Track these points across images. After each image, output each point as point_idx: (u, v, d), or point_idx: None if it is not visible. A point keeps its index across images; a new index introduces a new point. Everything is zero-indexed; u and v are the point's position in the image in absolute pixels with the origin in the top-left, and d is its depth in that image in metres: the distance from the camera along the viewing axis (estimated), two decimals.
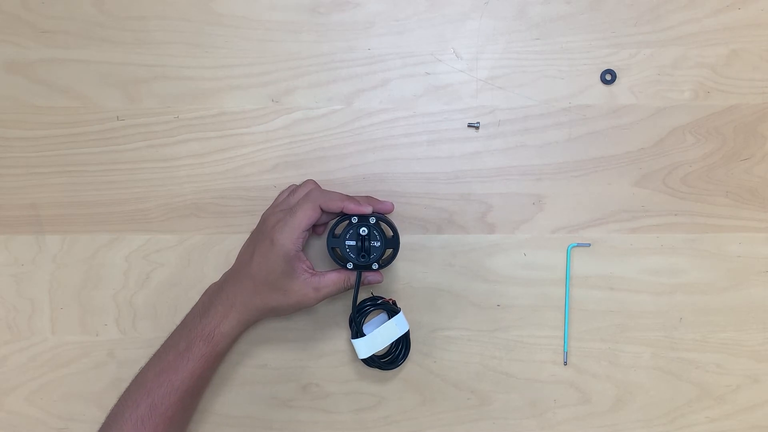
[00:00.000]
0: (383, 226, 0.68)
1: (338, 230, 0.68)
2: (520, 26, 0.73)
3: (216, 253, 0.74)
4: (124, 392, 0.67)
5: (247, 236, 0.71)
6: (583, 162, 0.74)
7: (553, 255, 0.74)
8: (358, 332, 0.69)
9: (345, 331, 0.74)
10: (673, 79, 0.73)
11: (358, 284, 0.67)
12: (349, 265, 0.67)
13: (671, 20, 0.73)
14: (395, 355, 0.71)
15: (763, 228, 0.74)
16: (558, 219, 0.74)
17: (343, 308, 0.73)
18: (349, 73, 0.74)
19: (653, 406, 0.73)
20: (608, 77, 0.73)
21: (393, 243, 0.68)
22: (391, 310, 0.71)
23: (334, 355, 0.74)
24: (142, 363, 0.68)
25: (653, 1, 0.73)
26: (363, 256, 0.67)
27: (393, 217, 0.71)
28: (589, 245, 0.73)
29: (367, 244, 0.67)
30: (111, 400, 0.67)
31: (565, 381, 0.73)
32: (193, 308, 0.69)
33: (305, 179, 0.71)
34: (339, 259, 0.68)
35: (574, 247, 0.73)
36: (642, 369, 0.74)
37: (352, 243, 0.67)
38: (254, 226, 0.71)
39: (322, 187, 0.70)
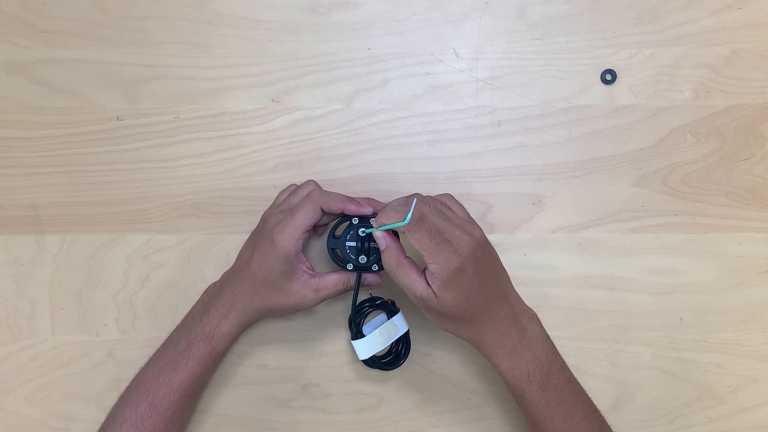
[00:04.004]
0: None
1: (338, 231, 0.68)
2: (520, 26, 0.73)
3: (216, 253, 0.74)
4: (124, 392, 0.67)
5: (247, 236, 0.71)
6: (583, 162, 0.74)
7: (553, 255, 0.74)
8: (357, 333, 0.69)
9: (345, 331, 0.74)
10: (673, 79, 0.73)
11: (358, 286, 0.67)
12: (349, 266, 0.67)
13: (671, 20, 0.73)
14: (396, 355, 0.71)
15: (763, 228, 0.74)
16: (558, 219, 0.74)
17: (344, 308, 0.73)
18: (349, 73, 0.74)
19: (653, 406, 0.73)
20: (608, 77, 0.73)
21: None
22: (391, 310, 0.71)
23: (334, 356, 0.74)
24: (142, 363, 0.68)
25: (653, 1, 0.73)
26: (363, 258, 0.67)
27: None
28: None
29: (367, 245, 0.67)
30: (111, 400, 0.67)
31: None
32: (192, 308, 0.70)
33: (305, 179, 0.71)
34: (339, 261, 0.68)
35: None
36: (642, 369, 0.74)
37: (353, 244, 0.67)
38: (254, 226, 0.71)
39: (323, 188, 0.70)
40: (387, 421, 0.74)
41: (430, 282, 0.60)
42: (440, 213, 0.62)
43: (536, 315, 0.66)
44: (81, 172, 0.74)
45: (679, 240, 0.74)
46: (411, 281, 0.61)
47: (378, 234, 0.62)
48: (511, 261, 0.73)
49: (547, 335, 0.65)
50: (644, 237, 0.74)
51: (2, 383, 0.74)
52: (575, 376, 0.73)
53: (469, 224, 0.64)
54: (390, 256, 0.62)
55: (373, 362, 0.71)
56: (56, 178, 0.74)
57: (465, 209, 0.67)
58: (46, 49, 0.74)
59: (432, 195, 0.67)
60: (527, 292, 0.73)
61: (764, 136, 0.73)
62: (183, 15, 0.74)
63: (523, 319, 0.64)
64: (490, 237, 0.73)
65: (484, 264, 0.62)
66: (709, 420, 0.73)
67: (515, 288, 0.66)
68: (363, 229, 0.67)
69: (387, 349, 0.72)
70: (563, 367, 0.65)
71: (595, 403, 0.73)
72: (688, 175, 0.73)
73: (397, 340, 0.70)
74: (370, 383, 0.74)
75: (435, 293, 0.60)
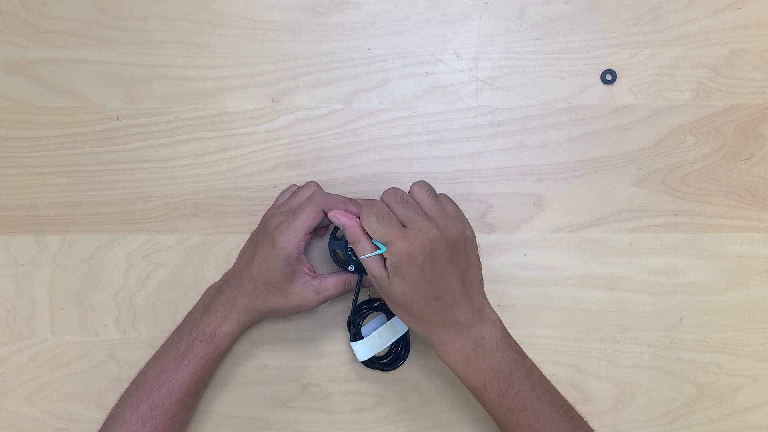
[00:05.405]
0: None
1: (340, 233, 0.68)
2: (520, 26, 0.73)
3: (216, 253, 0.74)
4: (124, 392, 0.67)
5: (247, 236, 0.71)
6: (583, 162, 0.74)
7: (553, 255, 0.74)
8: (356, 335, 0.69)
9: (345, 332, 0.74)
10: (673, 79, 0.73)
11: (359, 287, 0.67)
12: (351, 268, 0.67)
13: (671, 20, 0.73)
14: (395, 356, 0.71)
15: (763, 228, 0.74)
16: (558, 219, 0.74)
17: (344, 309, 0.73)
18: (349, 73, 0.74)
19: (653, 406, 0.73)
20: (608, 77, 0.73)
21: None
22: (390, 311, 0.71)
23: (334, 356, 0.74)
24: (142, 363, 0.68)
25: (653, 1, 0.73)
26: None
27: None
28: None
29: None
30: (111, 400, 0.67)
31: (565, 381, 0.73)
32: (193, 309, 0.70)
33: (305, 179, 0.71)
34: (340, 262, 0.68)
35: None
36: (642, 369, 0.74)
37: None
38: (254, 227, 0.71)
39: (323, 188, 0.70)
40: (387, 421, 0.74)
41: (387, 263, 0.60)
42: (404, 201, 0.61)
43: (500, 321, 0.63)
44: (81, 172, 0.74)
45: (679, 240, 0.74)
46: (369, 259, 0.61)
47: (332, 214, 0.63)
48: (511, 261, 0.74)
49: (510, 341, 0.63)
50: (644, 237, 0.74)
51: (2, 383, 0.74)
52: (575, 375, 0.73)
53: (444, 218, 0.62)
54: (351, 232, 0.62)
55: (373, 363, 0.71)
56: (56, 178, 0.74)
57: (453, 203, 0.65)
58: (46, 49, 0.74)
59: (416, 182, 0.65)
60: (527, 292, 0.74)
61: (764, 136, 0.73)
62: (183, 15, 0.74)
63: (482, 328, 0.62)
64: (490, 237, 0.74)
65: (447, 260, 0.60)
66: (709, 420, 0.73)
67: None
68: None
69: (386, 350, 0.72)
70: (529, 372, 0.62)
71: (594, 403, 0.73)
72: (688, 175, 0.73)
73: (396, 341, 0.70)
74: (370, 383, 0.74)
75: (387, 276, 0.60)
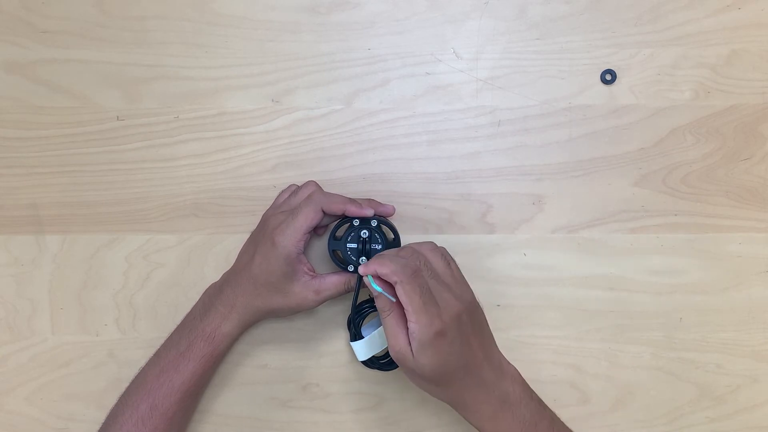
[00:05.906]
0: (384, 229, 0.68)
1: (339, 233, 0.68)
2: (520, 26, 0.73)
3: (216, 253, 0.74)
4: (124, 392, 0.67)
5: (247, 236, 0.71)
6: (583, 162, 0.74)
7: (553, 255, 0.74)
8: (356, 335, 0.69)
9: (345, 331, 0.74)
10: (673, 79, 0.73)
11: (358, 287, 0.67)
12: (350, 268, 0.67)
13: (671, 20, 0.73)
14: None
15: (763, 228, 0.74)
16: (558, 219, 0.74)
17: (344, 308, 0.73)
18: (349, 73, 0.74)
19: (653, 406, 0.73)
20: (608, 77, 0.73)
21: (394, 246, 0.68)
22: None
23: (334, 355, 0.74)
24: (142, 363, 0.68)
25: (653, 1, 0.73)
26: (364, 259, 0.67)
27: (393, 218, 0.71)
28: None
29: (368, 246, 0.67)
30: (111, 400, 0.67)
31: (565, 381, 0.73)
32: (192, 308, 0.70)
33: (305, 179, 0.71)
34: (340, 262, 0.68)
35: None
36: (642, 369, 0.74)
37: (353, 246, 0.67)
38: (254, 226, 0.71)
39: (323, 188, 0.70)
40: (387, 421, 0.74)
41: (411, 339, 0.58)
42: (432, 270, 0.61)
43: (519, 374, 0.63)
44: (81, 172, 0.74)
45: (679, 240, 0.74)
46: (394, 332, 0.59)
47: (368, 281, 0.61)
48: (511, 261, 0.74)
49: (531, 392, 0.63)
50: (644, 237, 0.74)
51: (2, 383, 0.74)
52: (575, 375, 0.73)
53: (459, 285, 0.62)
54: (382, 302, 0.60)
55: (373, 363, 0.71)
56: (56, 178, 0.74)
57: (458, 267, 0.64)
58: (46, 49, 0.74)
59: (427, 245, 0.64)
60: (527, 292, 0.74)
61: (764, 136, 0.73)
62: (183, 15, 0.74)
63: (505, 383, 0.62)
64: (490, 237, 0.74)
65: (469, 328, 0.60)
66: (709, 420, 0.73)
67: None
68: (354, 271, 0.67)
69: (386, 350, 0.71)
70: (552, 422, 0.63)
71: (594, 403, 0.74)
72: (688, 175, 0.73)
73: None
74: (370, 383, 0.74)
75: (412, 353, 0.58)
